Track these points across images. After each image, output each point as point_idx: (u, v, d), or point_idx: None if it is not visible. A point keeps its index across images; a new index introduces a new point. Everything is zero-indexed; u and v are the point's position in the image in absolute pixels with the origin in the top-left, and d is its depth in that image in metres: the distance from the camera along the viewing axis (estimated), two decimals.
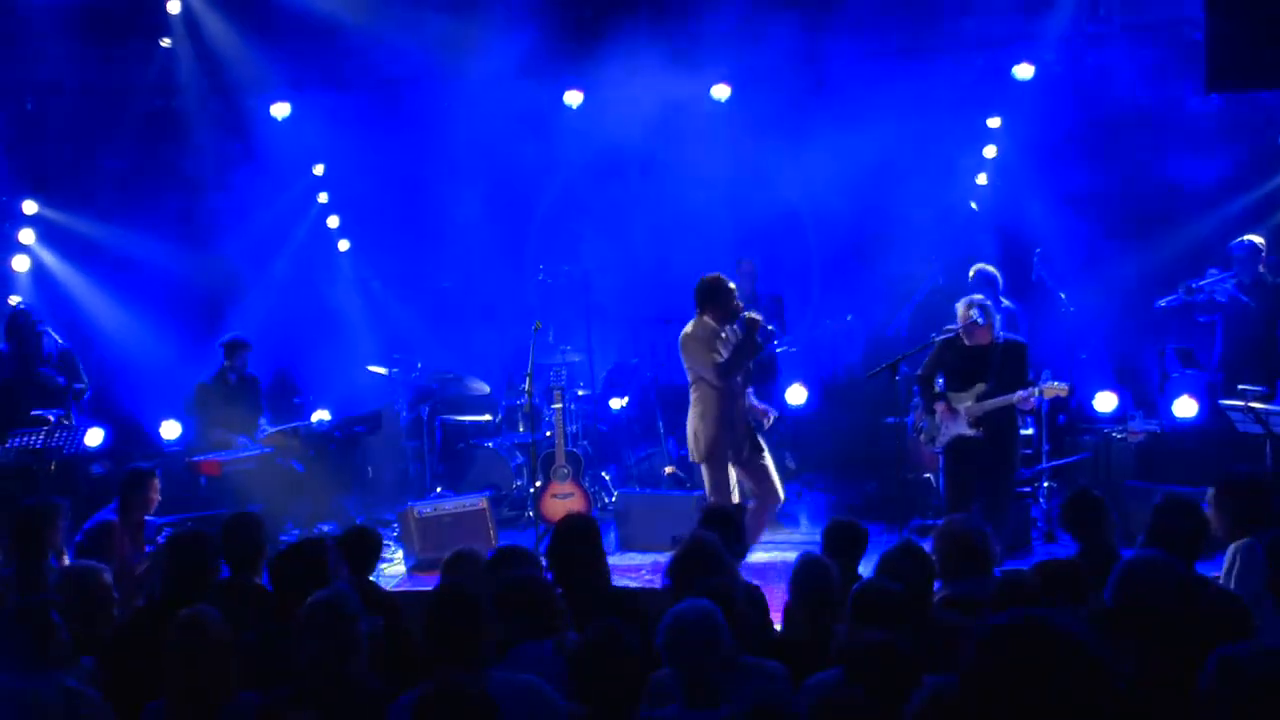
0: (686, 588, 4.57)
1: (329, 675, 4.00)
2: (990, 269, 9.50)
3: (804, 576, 4.78)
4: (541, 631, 4.37)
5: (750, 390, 8.03)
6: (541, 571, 4.96)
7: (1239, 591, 4.89)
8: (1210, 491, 5.44)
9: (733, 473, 7.83)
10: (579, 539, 5.18)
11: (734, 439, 7.72)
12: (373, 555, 5.61)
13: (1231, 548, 5.23)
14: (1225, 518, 5.26)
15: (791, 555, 7.77)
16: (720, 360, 7.64)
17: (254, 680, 4.19)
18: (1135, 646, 3.31)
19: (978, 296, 8.15)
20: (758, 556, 8.64)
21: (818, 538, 8.57)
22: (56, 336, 9.78)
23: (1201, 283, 9.25)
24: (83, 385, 9.95)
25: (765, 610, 5.28)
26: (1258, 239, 9.22)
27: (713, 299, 7.75)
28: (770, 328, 7.86)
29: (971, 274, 9.46)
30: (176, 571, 5.06)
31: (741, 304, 7.86)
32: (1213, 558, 5.48)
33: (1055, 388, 7.94)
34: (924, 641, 4.01)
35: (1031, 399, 7.85)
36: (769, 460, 7.85)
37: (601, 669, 3.77)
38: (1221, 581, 5.12)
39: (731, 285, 7.79)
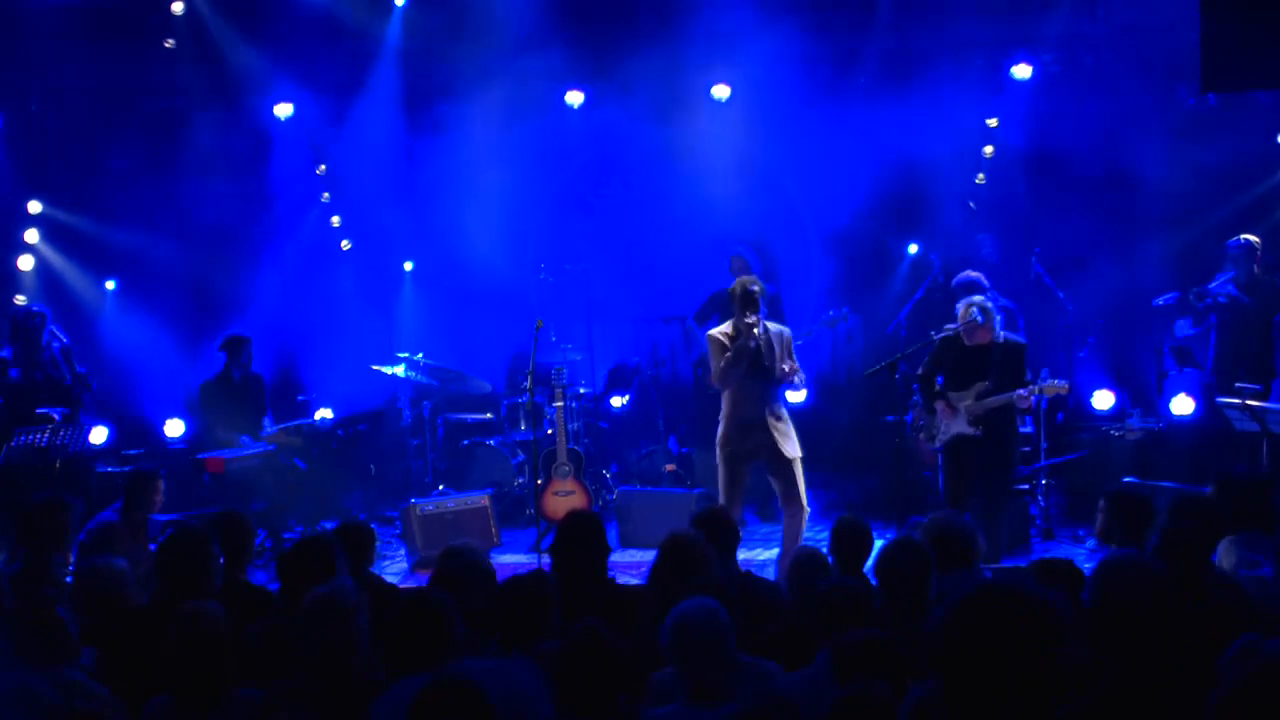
0: (667, 587, 4.58)
1: (330, 669, 4.01)
2: (974, 274, 9.52)
3: (799, 573, 4.82)
4: (538, 634, 4.35)
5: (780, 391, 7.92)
6: (492, 579, 4.91)
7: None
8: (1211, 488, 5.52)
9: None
10: (584, 537, 5.23)
11: (740, 439, 7.68)
12: (368, 548, 5.62)
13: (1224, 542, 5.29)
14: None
15: None
16: (717, 365, 7.66)
17: (256, 676, 4.21)
18: (1118, 647, 3.35)
19: (978, 296, 8.19)
20: (757, 553, 8.73)
21: (817, 534, 8.69)
22: (61, 336, 9.81)
23: (1209, 286, 9.28)
24: (82, 382, 9.80)
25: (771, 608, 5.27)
26: (1253, 238, 9.27)
27: (737, 302, 7.67)
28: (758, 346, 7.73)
29: (954, 282, 9.51)
30: (173, 569, 5.08)
31: (751, 311, 7.70)
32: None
33: (1055, 386, 7.97)
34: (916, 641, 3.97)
35: (1031, 397, 7.88)
36: (798, 469, 7.74)
37: (579, 672, 3.72)
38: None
39: (754, 289, 7.63)
